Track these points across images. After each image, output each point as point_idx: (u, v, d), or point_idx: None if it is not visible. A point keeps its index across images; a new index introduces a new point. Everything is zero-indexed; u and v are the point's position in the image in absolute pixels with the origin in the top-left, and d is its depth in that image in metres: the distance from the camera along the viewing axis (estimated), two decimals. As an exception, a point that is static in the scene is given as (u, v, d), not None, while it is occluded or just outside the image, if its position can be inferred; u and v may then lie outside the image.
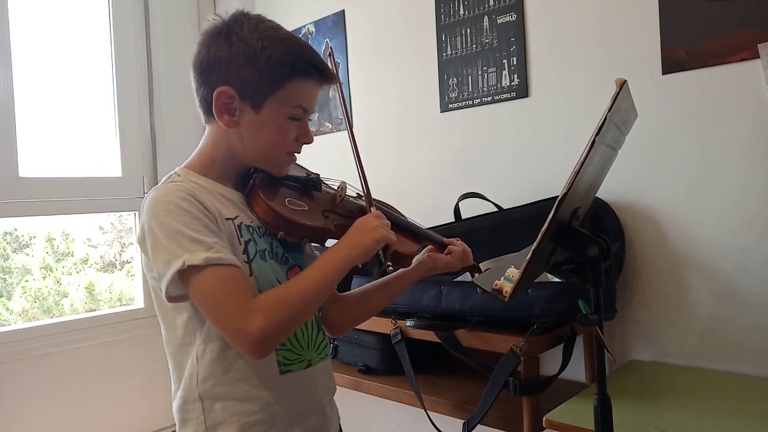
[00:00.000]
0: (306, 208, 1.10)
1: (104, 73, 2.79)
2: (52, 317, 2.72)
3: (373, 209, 1.14)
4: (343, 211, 1.17)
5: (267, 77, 1.03)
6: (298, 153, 1.14)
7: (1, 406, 2.35)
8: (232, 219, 1.04)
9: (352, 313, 1.27)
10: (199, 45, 1.08)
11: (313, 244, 1.20)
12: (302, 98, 1.07)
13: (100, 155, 2.81)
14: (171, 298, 0.99)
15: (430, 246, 1.30)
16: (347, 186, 1.22)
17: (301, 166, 1.23)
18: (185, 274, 0.93)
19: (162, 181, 1.06)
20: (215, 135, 1.09)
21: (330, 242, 1.10)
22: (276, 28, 1.07)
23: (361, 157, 1.22)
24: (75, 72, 2.73)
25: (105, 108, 2.80)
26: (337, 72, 1.16)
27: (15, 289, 2.67)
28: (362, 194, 1.21)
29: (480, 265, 1.36)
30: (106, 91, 2.80)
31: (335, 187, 1.21)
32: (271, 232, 1.08)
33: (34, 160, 2.53)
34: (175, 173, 1.08)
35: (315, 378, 1.11)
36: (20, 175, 2.46)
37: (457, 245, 1.29)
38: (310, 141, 1.12)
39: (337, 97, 1.25)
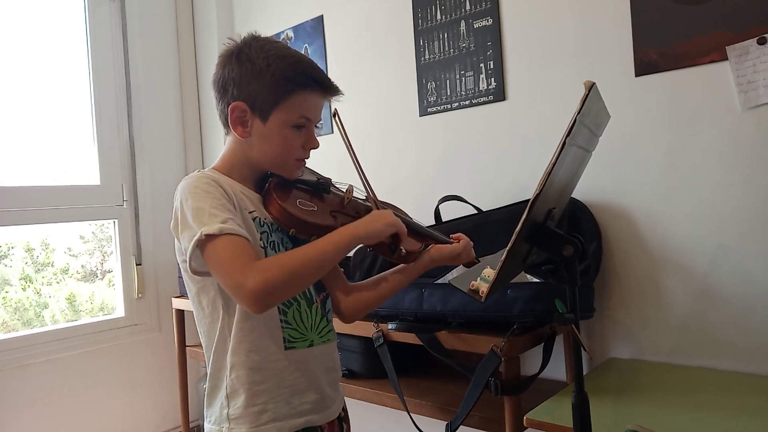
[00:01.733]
0: (315, 209, 1.21)
1: (81, 81, 2.78)
2: (32, 328, 2.69)
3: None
4: (350, 211, 1.28)
5: (272, 91, 1.15)
6: (307, 158, 1.25)
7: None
8: (250, 212, 1.17)
9: (363, 299, 1.35)
10: (216, 66, 1.21)
11: None
12: (305, 109, 1.19)
13: (78, 163, 2.79)
14: (195, 272, 1.11)
15: (431, 244, 1.35)
16: (354, 189, 1.33)
17: (314, 171, 1.33)
18: (203, 244, 1.05)
19: (191, 174, 1.18)
20: (233, 144, 1.22)
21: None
22: (281, 48, 1.19)
23: (362, 165, 1.34)
24: (52, 79, 2.72)
25: (82, 115, 2.78)
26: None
27: (-6, 301, 2.64)
28: (369, 197, 1.33)
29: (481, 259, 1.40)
30: (84, 98, 2.78)
31: (343, 190, 1.32)
32: (283, 229, 1.19)
33: (11, 169, 2.51)
34: (203, 170, 1.21)
35: (316, 357, 1.22)
36: (-3, 184, 2.44)
37: (462, 237, 1.36)
38: (316, 146, 1.24)
39: (335, 126, 1.33)
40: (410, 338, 1.75)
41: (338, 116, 1.35)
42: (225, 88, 1.19)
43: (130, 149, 2.88)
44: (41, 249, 2.82)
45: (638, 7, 1.74)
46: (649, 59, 1.73)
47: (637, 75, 1.76)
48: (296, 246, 1.19)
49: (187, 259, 1.08)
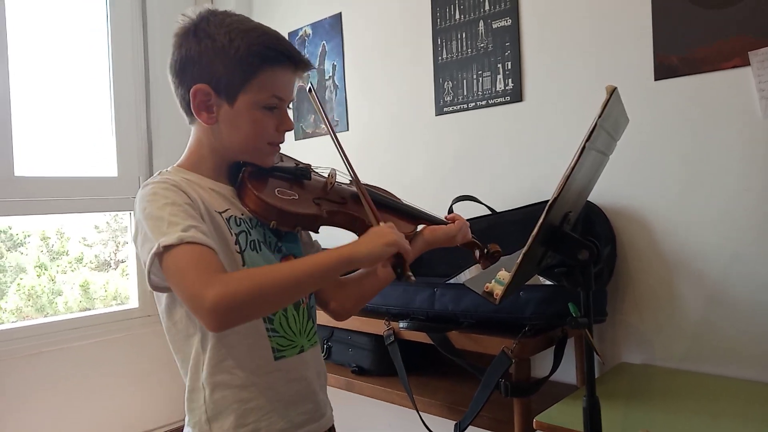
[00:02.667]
0: (296, 197, 1.11)
1: (101, 73, 2.80)
2: (45, 315, 2.72)
3: (382, 223, 1.10)
4: (334, 197, 1.18)
5: (237, 69, 1.04)
6: (281, 142, 1.14)
7: (-5, 404, 2.35)
8: (221, 212, 1.06)
9: (354, 295, 1.26)
10: (172, 48, 1.09)
11: (308, 231, 1.22)
12: (276, 87, 1.07)
13: (97, 155, 2.82)
14: (156, 287, 1.00)
15: (424, 225, 1.28)
16: (337, 173, 1.22)
17: (291, 158, 1.24)
18: (162, 256, 0.93)
19: (150, 178, 1.08)
20: (199, 133, 1.11)
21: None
22: (243, 21, 1.07)
23: (346, 152, 1.21)
24: (72, 71, 2.74)
25: (101, 107, 2.81)
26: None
27: (9, 288, 2.67)
28: (353, 180, 1.20)
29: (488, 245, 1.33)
30: (103, 90, 2.80)
31: (325, 175, 1.21)
32: (263, 223, 1.09)
33: (30, 159, 2.54)
34: (166, 170, 1.10)
35: (307, 363, 1.13)
36: (16, 174, 2.46)
37: (457, 217, 1.29)
38: (290, 128, 1.12)
39: (310, 97, 1.24)
40: (421, 337, 1.75)
41: (314, 91, 1.25)
42: (183, 70, 1.06)
43: (148, 142, 2.90)
44: (56, 238, 2.85)
45: (659, 11, 1.73)
46: (670, 63, 1.71)
47: (656, 79, 1.74)
48: (281, 241, 1.12)
49: (146, 273, 0.97)
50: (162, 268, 0.94)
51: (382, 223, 1.10)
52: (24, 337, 2.47)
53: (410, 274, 1.05)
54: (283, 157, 1.21)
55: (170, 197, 0.98)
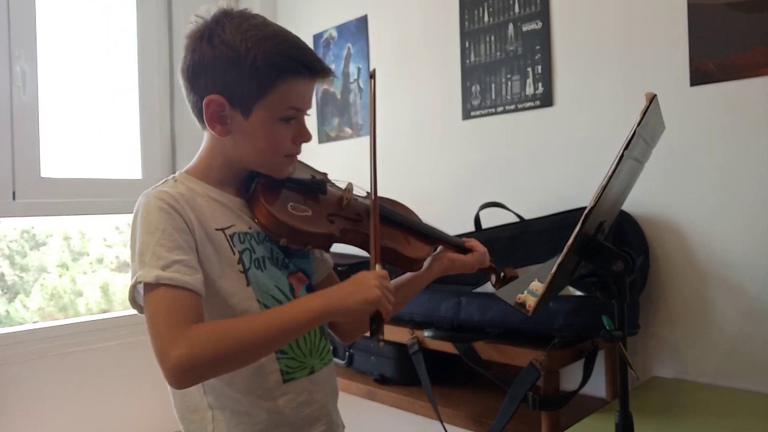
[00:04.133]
0: (310, 213, 1.06)
1: (128, 75, 2.80)
2: (66, 316, 2.73)
3: (378, 267, 1.01)
4: (349, 213, 1.13)
5: (253, 81, 0.98)
6: (298, 153, 1.09)
7: (19, 405, 2.35)
8: (224, 229, 1.02)
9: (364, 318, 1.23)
10: (184, 50, 1.04)
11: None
12: (294, 99, 1.02)
13: (123, 157, 2.83)
14: (138, 307, 0.97)
15: (442, 247, 1.26)
16: (354, 187, 1.17)
17: (308, 166, 1.20)
18: (142, 287, 0.92)
19: (156, 185, 1.04)
20: (211, 142, 1.07)
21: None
22: (260, 26, 1.01)
23: (377, 170, 1.12)
24: (99, 74, 2.75)
25: (128, 110, 2.81)
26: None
27: (33, 287, 2.68)
28: (371, 195, 1.12)
29: (505, 269, 1.33)
30: (130, 93, 2.81)
31: (342, 188, 1.16)
32: (273, 239, 1.05)
33: (57, 161, 2.55)
34: (173, 177, 1.06)
35: (319, 384, 1.09)
36: (42, 175, 2.47)
37: (476, 246, 1.26)
38: (308, 139, 1.07)
39: (368, 93, 1.13)
40: (446, 347, 1.72)
41: (375, 79, 1.12)
42: (196, 76, 1.01)
43: (171, 145, 2.90)
44: (78, 238, 2.87)
45: (696, 16, 1.67)
46: (706, 69, 1.66)
47: (692, 85, 1.69)
48: (289, 257, 1.07)
49: (129, 292, 0.95)
50: (143, 298, 0.93)
51: (377, 266, 1.01)
52: (48, 337, 2.48)
53: (383, 337, 0.98)
54: (297, 165, 1.15)
55: (162, 222, 0.94)
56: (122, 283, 2.94)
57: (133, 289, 0.94)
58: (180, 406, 1.04)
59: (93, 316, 2.73)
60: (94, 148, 2.75)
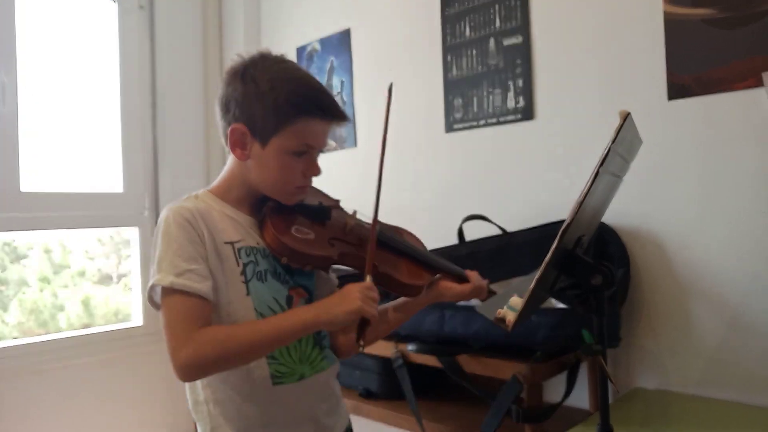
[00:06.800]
0: (312, 237, 1.16)
1: (109, 89, 2.79)
2: (47, 331, 2.69)
3: (368, 278, 1.11)
4: (351, 239, 1.21)
5: (273, 115, 1.11)
6: (308, 186, 1.19)
7: (-3, 422, 2.32)
8: (233, 243, 1.13)
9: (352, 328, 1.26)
10: (222, 82, 1.17)
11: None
12: (307, 136, 1.13)
13: (104, 171, 2.80)
14: (155, 305, 1.10)
15: (440, 275, 1.28)
16: (358, 213, 1.26)
17: (321, 192, 1.28)
18: (159, 290, 1.06)
19: (179, 199, 1.16)
20: (232, 164, 1.19)
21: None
22: (288, 70, 1.15)
23: (381, 182, 1.24)
24: (80, 87, 2.73)
25: (108, 124, 2.80)
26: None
27: (11, 302, 2.64)
28: (376, 221, 1.20)
29: (491, 286, 1.33)
30: (111, 107, 2.79)
31: (349, 213, 1.25)
32: (276, 257, 1.15)
33: (37, 175, 2.53)
34: (195, 195, 1.18)
35: (308, 390, 1.17)
36: (21, 189, 2.45)
37: (474, 278, 1.28)
38: (317, 174, 1.18)
39: (386, 96, 1.29)
40: (430, 360, 1.72)
41: (390, 92, 1.24)
42: (227, 107, 1.15)
43: (154, 159, 2.88)
44: (59, 250, 2.83)
45: (673, 31, 1.70)
46: (683, 83, 1.69)
47: (669, 99, 1.71)
48: (289, 273, 1.17)
49: (147, 291, 1.09)
50: (160, 300, 1.07)
51: (368, 278, 1.11)
52: (26, 354, 2.45)
53: (362, 344, 1.08)
54: (311, 190, 1.23)
55: (180, 237, 1.07)
56: (104, 297, 2.92)
57: (151, 289, 1.08)
58: (190, 399, 1.17)
59: (71, 332, 2.70)
60: (74, 162, 2.73)
